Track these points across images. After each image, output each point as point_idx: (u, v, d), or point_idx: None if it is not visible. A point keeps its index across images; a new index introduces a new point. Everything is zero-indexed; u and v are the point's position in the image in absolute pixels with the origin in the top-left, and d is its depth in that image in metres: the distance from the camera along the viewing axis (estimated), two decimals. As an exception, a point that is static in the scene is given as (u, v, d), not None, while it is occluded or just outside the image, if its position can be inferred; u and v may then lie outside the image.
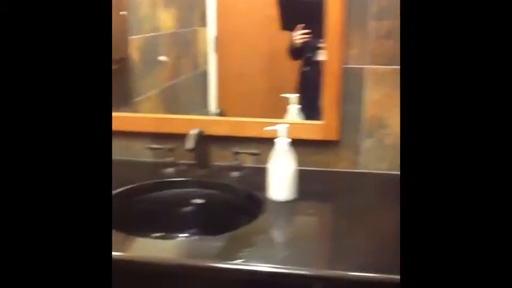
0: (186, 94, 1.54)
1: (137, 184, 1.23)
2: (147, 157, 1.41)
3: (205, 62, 1.43)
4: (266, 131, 1.12)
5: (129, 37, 1.45)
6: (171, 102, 1.54)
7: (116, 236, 0.97)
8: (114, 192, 1.17)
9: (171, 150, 1.31)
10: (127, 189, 1.21)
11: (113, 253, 0.90)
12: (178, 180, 1.26)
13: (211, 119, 1.36)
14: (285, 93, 1.36)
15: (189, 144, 1.13)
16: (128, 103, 1.47)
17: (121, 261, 0.90)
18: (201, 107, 1.48)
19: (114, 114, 1.37)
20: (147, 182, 1.24)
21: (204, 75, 1.44)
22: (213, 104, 1.43)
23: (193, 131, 1.16)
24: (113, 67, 1.41)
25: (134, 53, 1.46)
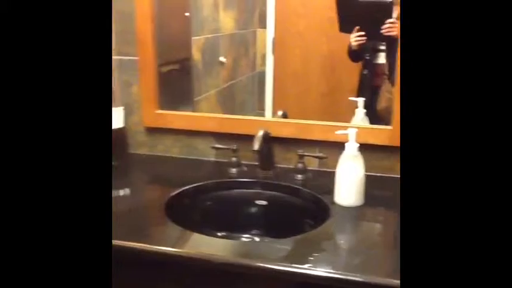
0: (243, 95, 1.57)
1: (202, 183, 1.26)
2: (211, 156, 1.42)
3: (263, 63, 1.44)
4: (331, 134, 1.11)
5: (192, 38, 1.47)
6: (228, 102, 1.57)
7: (181, 233, 1.00)
8: (179, 190, 1.20)
9: (234, 150, 1.31)
10: (193, 188, 1.24)
11: (177, 249, 0.93)
12: (243, 181, 1.27)
13: (276, 121, 1.36)
14: (345, 96, 1.35)
15: (256, 145, 1.13)
16: (188, 102, 1.52)
17: (187, 258, 0.95)
18: (258, 108, 1.50)
19: (179, 113, 1.41)
20: (211, 181, 1.26)
21: (261, 76, 1.45)
22: (269, 106, 1.44)
23: (260, 132, 1.16)
24: (175, 67, 1.45)
25: (196, 53, 1.50)
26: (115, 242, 0.97)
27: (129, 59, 1.42)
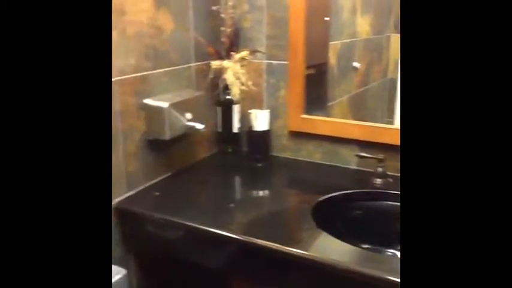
0: (373, 102, 1.52)
1: (350, 191, 1.24)
2: (353, 164, 1.39)
3: (395, 69, 1.39)
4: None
5: (329, 42, 1.46)
6: (359, 109, 1.53)
7: (330, 241, 0.99)
8: (326, 196, 1.19)
9: (380, 160, 1.26)
10: (342, 195, 1.23)
11: (332, 258, 0.91)
12: (390, 193, 1.22)
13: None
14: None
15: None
16: (322, 107, 1.50)
17: (342, 270, 0.93)
18: (387, 116, 1.44)
19: (324, 118, 1.41)
20: (360, 191, 1.22)
21: (392, 83, 1.40)
22: (399, 115, 1.37)
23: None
24: (312, 71, 1.44)
25: (332, 58, 1.48)
26: (264, 242, 0.99)
27: (279, 63, 1.44)
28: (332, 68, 1.48)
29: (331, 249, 0.99)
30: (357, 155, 1.34)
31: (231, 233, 1.04)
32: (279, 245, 0.98)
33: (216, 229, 1.06)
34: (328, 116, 1.46)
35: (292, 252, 0.96)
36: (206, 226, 1.07)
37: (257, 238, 1.00)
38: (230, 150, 1.54)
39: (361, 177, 1.32)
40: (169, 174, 1.36)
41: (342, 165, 1.42)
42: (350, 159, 1.40)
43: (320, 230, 1.04)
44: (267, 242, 0.99)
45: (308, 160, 1.47)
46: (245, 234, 1.03)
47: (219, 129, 1.52)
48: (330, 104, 1.51)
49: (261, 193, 1.35)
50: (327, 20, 1.42)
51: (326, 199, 1.19)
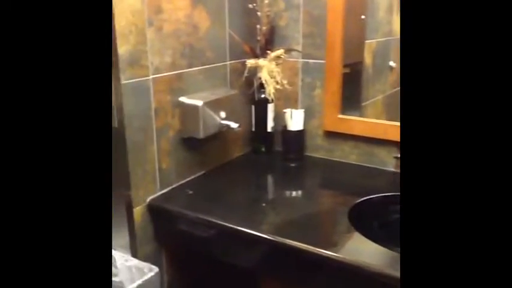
0: None
1: (389, 194, 1.21)
2: (390, 166, 1.35)
3: None
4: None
5: (365, 41, 1.42)
6: (393, 109, 1.47)
7: (368, 245, 0.97)
8: (363, 198, 1.16)
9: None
10: (380, 197, 1.20)
11: (370, 262, 0.89)
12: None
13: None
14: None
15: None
16: (356, 107, 1.47)
17: (379, 275, 0.89)
18: None
19: (361, 119, 1.37)
20: (396, 194, 1.18)
21: None
22: None
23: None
24: (346, 71, 1.41)
25: (367, 57, 1.44)
26: (297, 244, 0.97)
27: (315, 62, 1.41)
28: (367, 67, 1.45)
29: (365, 251, 0.97)
30: (395, 157, 1.31)
31: (263, 233, 1.03)
32: (311, 247, 0.96)
33: (249, 229, 1.04)
34: (362, 116, 1.42)
35: (325, 254, 0.94)
36: (239, 226, 1.06)
37: (290, 239, 0.99)
38: (263, 149, 1.52)
39: (399, 180, 1.28)
40: (202, 172, 1.36)
41: (378, 167, 1.38)
42: (387, 161, 1.36)
43: (356, 233, 1.01)
44: (300, 244, 0.97)
45: (343, 161, 1.44)
46: (277, 234, 1.02)
47: (253, 128, 1.51)
48: (364, 103, 1.47)
49: (294, 193, 1.33)
50: (362, 19, 1.39)
51: (363, 201, 1.16)
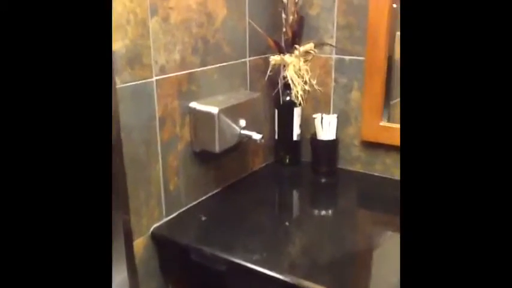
0: None
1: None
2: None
3: None
4: None
5: (396, 33, 1.23)
6: None
7: None
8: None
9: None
10: None
11: None
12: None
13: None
14: None
15: None
16: (385, 104, 1.27)
17: None
18: None
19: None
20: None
21: None
22: None
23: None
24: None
25: (398, 50, 1.24)
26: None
27: (352, 59, 1.21)
28: (396, 62, 1.24)
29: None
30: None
31: (286, 277, 0.84)
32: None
33: (274, 272, 0.85)
34: (388, 117, 1.23)
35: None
36: (258, 266, 0.86)
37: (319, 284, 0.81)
38: (287, 160, 1.32)
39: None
40: (217, 190, 1.15)
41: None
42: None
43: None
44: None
45: (384, 176, 1.24)
46: (304, 278, 0.83)
47: (276, 136, 1.30)
48: (393, 102, 1.26)
49: (325, 214, 1.13)
50: (394, 8, 1.18)
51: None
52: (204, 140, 1.03)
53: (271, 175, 1.30)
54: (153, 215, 0.98)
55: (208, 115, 1.00)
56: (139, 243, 0.96)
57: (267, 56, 1.22)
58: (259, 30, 1.18)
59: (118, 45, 0.83)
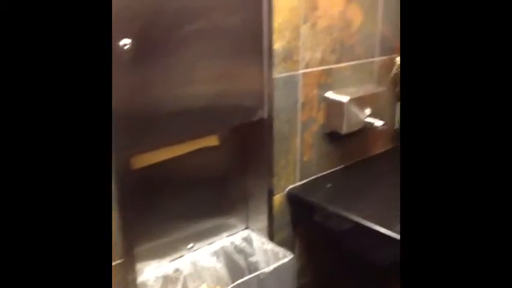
0: None
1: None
2: None
3: None
4: None
5: None
6: None
7: None
8: None
9: None
10: None
11: None
12: None
13: None
14: None
15: None
16: None
17: None
18: None
19: None
20: None
21: None
22: None
23: None
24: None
25: None
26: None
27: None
28: None
29: None
30: None
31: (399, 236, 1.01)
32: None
33: (385, 228, 1.04)
34: None
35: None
36: (376, 224, 1.06)
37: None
38: (406, 148, 1.48)
39: None
40: (342, 166, 1.37)
41: None
42: None
43: None
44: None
45: None
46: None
47: (396, 126, 1.48)
48: None
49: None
50: None
51: None
52: (334, 123, 1.26)
53: (389, 159, 1.46)
54: (289, 178, 1.24)
55: (339, 103, 1.23)
56: (277, 199, 1.23)
57: (393, 56, 1.39)
58: (389, 34, 1.36)
59: (277, 45, 1.10)
